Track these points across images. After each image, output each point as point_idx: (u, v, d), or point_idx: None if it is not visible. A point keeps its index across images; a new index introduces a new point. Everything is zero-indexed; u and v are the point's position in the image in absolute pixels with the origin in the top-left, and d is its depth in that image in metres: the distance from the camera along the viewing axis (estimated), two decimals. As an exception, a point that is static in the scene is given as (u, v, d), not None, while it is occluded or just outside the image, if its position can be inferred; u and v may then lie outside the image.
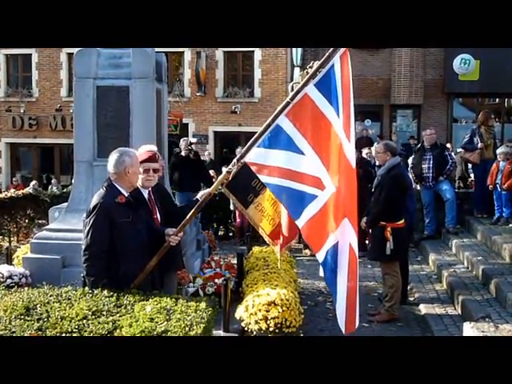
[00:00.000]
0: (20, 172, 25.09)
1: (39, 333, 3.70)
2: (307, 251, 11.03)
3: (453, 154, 12.40)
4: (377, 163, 11.00)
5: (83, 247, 4.61)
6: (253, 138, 4.70)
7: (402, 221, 7.36)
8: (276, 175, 4.59)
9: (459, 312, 7.52)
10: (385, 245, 7.17)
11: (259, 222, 5.12)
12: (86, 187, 7.96)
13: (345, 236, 4.46)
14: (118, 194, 4.67)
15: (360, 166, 8.93)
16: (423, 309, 7.82)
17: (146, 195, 5.29)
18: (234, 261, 8.37)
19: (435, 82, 22.40)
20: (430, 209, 11.47)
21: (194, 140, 15.67)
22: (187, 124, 23.03)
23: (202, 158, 14.69)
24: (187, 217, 4.88)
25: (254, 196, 5.04)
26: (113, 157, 4.74)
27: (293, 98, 4.60)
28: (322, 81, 4.53)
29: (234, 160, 4.81)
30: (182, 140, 13.09)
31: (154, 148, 5.53)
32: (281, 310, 6.06)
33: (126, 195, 4.72)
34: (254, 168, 4.67)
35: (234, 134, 22.85)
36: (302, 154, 4.55)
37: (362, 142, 20.27)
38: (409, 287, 8.46)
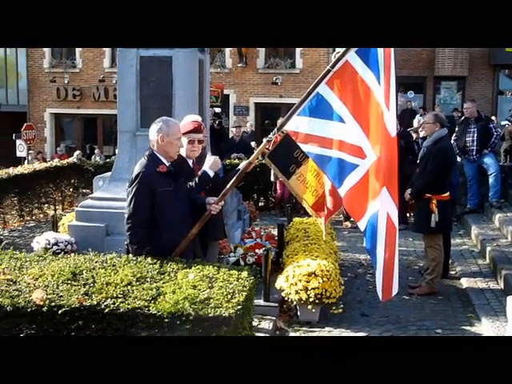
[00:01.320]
0: (64, 142, 25.49)
1: (85, 297, 3.75)
2: (348, 223, 11.03)
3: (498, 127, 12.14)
4: (420, 135, 10.93)
5: (126, 216, 4.65)
6: (293, 107, 4.65)
7: (447, 193, 7.28)
8: (317, 144, 4.57)
9: (502, 286, 7.43)
10: (430, 217, 7.10)
11: (302, 194, 5.10)
12: (129, 157, 8.03)
13: (383, 205, 4.44)
14: (160, 163, 4.68)
15: (401, 137, 8.83)
16: (465, 283, 7.75)
17: (190, 164, 5.32)
18: (275, 232, 8.40)
19: (481, 53, 21.90)
20: (473, 182, 11.28)
21: (217, 110, 15.66)
22: (228, 95, 23.01)
23: (225, 130, 14.77)
24: (228, 186, 4.86)
25: (296, 166, 5.02)
26: (152, 126, 4.77)
27: (333, 66, 4.53)
28: (363, 48, 4.44)
29: (275, 129, 4.78)
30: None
31: (199, 118, 5.53)
32: (321, 281, 6.08)
33: (168, 165, 4.73)
34: (295, 137, 4.64)
35: (274, 106, 22.80)
36: (343, 122, 4.51)
37: (406, 114, 20.05)
38: (450, 261, 8.39)
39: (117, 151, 8.77)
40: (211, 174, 5.20)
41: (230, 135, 15.02)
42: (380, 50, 4.42)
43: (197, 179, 5.12)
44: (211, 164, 5.22)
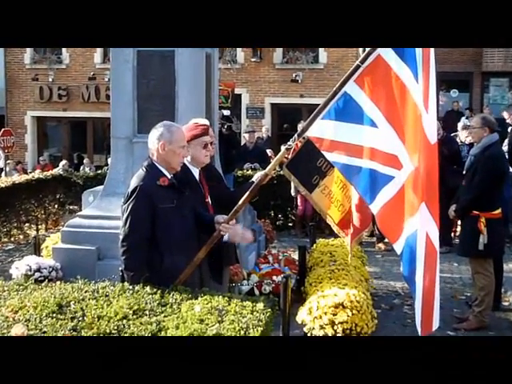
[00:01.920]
0: (48, 150, 25.74)
1: (73, 333, 3.74)
2: (381, 245, 11.02)
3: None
4: (466, 141, 10.90)
5: (121, 237, 4.65)
6: (317, 109, 4.65)
7: (499, 210, 7.23)
8: (345, 152, 4.57)
9: None
10: (477, 238, 7.06)
11: (326, 209, 5.13)
12: (124, 167, 8.09)
13: (422, 224, 4.42)
14: (161, 175, 4.70)
15: (443, 144, 8.81)
16: (520, 316, 7.70)
17: (196, 175, 5.35)
18: (295, 255, 8.40)
19: (537, 44, 21.84)
20: (529, 197, 11.20)
21: (226, 113, 15.66)
22: (240, 95, 23.04)
23: (236, 135, 14.72)
24: (240, 202, 4.85)
25: (320, 178, 5.04)
26: (152, 131, 4.79)
27: (363, 61, 4.54)
28: None
29: (295, 135, 4.76)
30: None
31: (207, 122, 5.57)
32: (350, 314, 6.06)
33: (170, 177, 4.75)
34: (318, 144, 4.65)
35: (294, 107, 22.88)
36: (375, 126, 4.52)
37: (451, 116, 19.93)
38: (503, 290, 8.32)
39: (110, 161, 8.84)
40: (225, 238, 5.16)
41: (242, 142, 15.02)
42: None
43: None
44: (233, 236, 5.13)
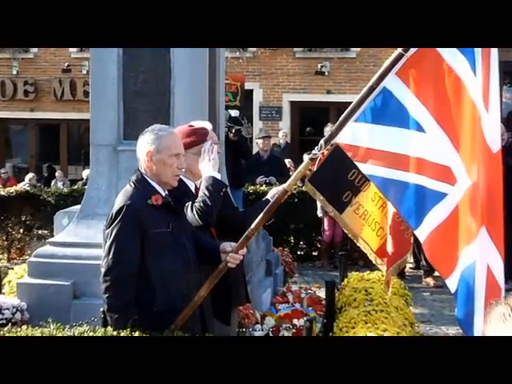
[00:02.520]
0: (11, 160, 25.76)
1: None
2: (430, 280, 11.01)
3: None
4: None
5: (103, 270, 4.63)
6: (348, 110, 4.63)
7: None
8: (384, 163, 4.55)
9: None
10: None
11: (360, 233, 5.14)
12: (107, 183, 8.07)
13: (482, 254, 4.39)
14: (152, 192, 4.68)
15: (509, 152, 8.76)
16: None
17: (192, 189, 5.35)
18: (321, 293, 8.37)
19: None
20: None
21: (234, 113, 15.57)
22: (251, 91, 23.06)
23: (246, 141, 14.77)
24: (252, 226, 4.78)
25: (353, 194, 5.06)
26: (140, 138, 4.79)
27: (407, 49, 4.49)
28: None
29: (321, 142, 4.70)
30: None
31: (207, 125, 5.57)
32: (391, 367, 6.04)
33: (164, 194, 4.73)
34: (350, 153, 4.63)
35: (320, 106, 23.05)
36: (422, 130, 4.49)
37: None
38: None
39: (88, 174, 8.81)
40: (218, 175, 5.26)
41: (255, 150, 15.03)
42: None
43: (205, 191, 5.16)
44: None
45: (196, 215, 5.14)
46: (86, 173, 19.28)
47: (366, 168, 4.62)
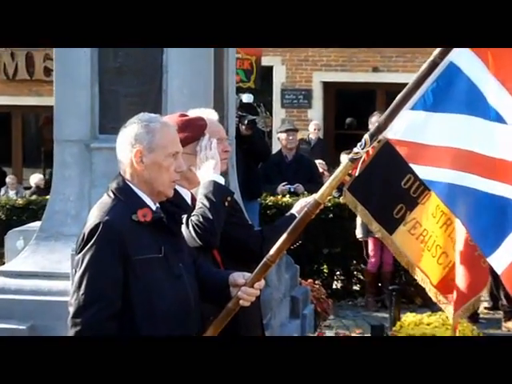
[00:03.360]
0: None
1: None
2: (511, 325, 10.44)
3: None
4: None
5: (72, 309, 4.01)
6: (401, 94, 4.20)
7: None
8: (450, 165, 4.15)
9: None
10: None
11: (417, 260, 4.79)
12: (77, 192, 7.66)
13: None
14: (139, 205, 4.08)
15: None
16: None
17: (188, 200, 4.72)
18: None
19: None
20: None
21: (246, 99, 14.45)
22: (270, 68, 21.63)
23: (263, 135, 14.28)
24: (272, 250, 4.28)
25: (407, 208, 4.72)
26: (122, 132, 4.16)
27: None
28: None
29: (366, 137, 4.26)
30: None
31: (214, 115, 5.03)
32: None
33: (154, 208, 4.12)
34: (404, 151, 4.23)
35: (363, 89, 21.93)
36: (502, 121, 4.07)
37: None
38: None
39: (53, 180, 8.18)
40: (221, 180, 4.87)
41: (275, 148, 14.67)
42: None
43: (205, 201, 4.73)
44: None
45: (193, 232, 4.70)
46: (35, 179, 18.51)
47: (426, 172, 4.25)
